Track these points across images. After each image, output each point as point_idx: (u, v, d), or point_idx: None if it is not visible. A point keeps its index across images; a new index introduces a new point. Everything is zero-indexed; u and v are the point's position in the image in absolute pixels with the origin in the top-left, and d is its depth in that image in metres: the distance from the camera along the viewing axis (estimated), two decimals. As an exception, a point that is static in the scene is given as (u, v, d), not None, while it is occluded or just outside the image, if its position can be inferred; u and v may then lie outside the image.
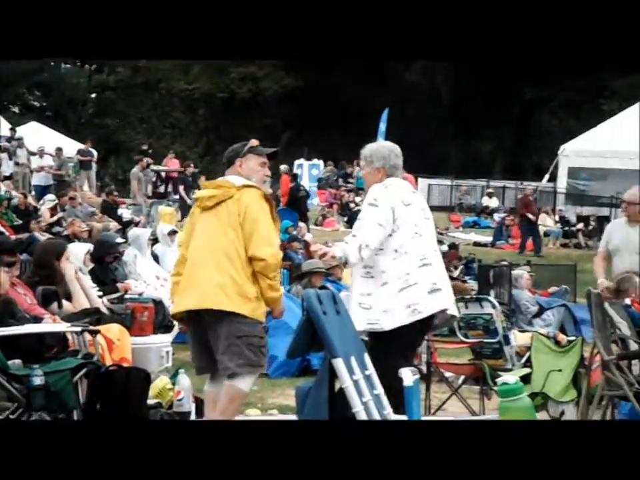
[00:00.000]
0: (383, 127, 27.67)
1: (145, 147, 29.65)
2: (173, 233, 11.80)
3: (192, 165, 24.46)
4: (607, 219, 25.87)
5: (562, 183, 27.99)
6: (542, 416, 6.10)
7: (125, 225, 16.44)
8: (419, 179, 29.09)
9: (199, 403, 6.42)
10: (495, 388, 6.58)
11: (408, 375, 4.38)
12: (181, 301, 5.68)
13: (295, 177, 24.30)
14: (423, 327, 5.54)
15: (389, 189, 5.68)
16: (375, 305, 5.46)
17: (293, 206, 21.02)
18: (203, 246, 5.65)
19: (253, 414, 7.19)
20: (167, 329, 7.77)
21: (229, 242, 5.50)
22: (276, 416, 7.15)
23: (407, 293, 5.48)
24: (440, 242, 19.08)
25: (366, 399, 3.61)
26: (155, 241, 12.76)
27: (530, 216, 21.51)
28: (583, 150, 28.14)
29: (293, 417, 6.58)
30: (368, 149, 5.88)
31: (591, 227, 24.87)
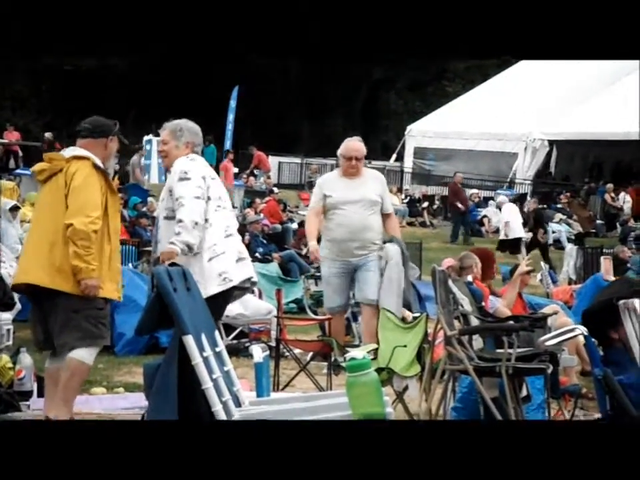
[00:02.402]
0: (233, 104, 27.55)
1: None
2: (15, 208, 11.44)
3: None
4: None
5: (408, 162, 28.64)
6: (387, 391, 6.26)
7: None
8: (270, 157, 29.15)
9: (41, 382, 6.27)
10: (343, 364, 6.69)
11: (258, 352, 4.40)
12: (16, 275, 5.69)
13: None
14: (229, 295, 5.87)
15: (196, 161, 5.91)
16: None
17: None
18: (38, 220, 5.64)
19: (99, 392, 7.08)
20: (8, 306, 7.53)
21: (56, 215, 5.43)
22: (122, 394, 7.05)
23: (216, 262, 5.76)
24: (290, 220, 19.31)
25: (216, 375, 3.60)
26: (-5, 215, 12.31)
27: (459, 205, 21.60)
28: (428, 130, 28.86)
29: (140, 395, 6.53)
30: (177, 123, 6.03)
31: (435, 206, 25.57)
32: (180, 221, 5.67)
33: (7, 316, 7.53)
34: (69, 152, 5.63)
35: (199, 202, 5.73)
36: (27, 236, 5.98)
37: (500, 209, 21.50)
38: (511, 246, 18.67)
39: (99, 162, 5.56)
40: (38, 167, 5.68)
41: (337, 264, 7.60)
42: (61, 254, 5.36)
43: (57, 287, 5.33)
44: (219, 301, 5.75)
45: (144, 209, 16.99)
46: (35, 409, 6.19)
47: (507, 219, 19.59)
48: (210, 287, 5.68)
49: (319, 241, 7.80)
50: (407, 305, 7.44)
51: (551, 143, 27.06)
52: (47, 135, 24.86)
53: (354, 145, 7.79)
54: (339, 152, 7.84)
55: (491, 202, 24.57)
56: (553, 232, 22.29)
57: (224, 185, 6.46)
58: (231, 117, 27.45)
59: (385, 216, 7.75)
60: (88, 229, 5.33)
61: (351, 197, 7.60)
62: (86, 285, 5.34)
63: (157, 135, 32.20)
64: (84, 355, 5.41)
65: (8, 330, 7.63)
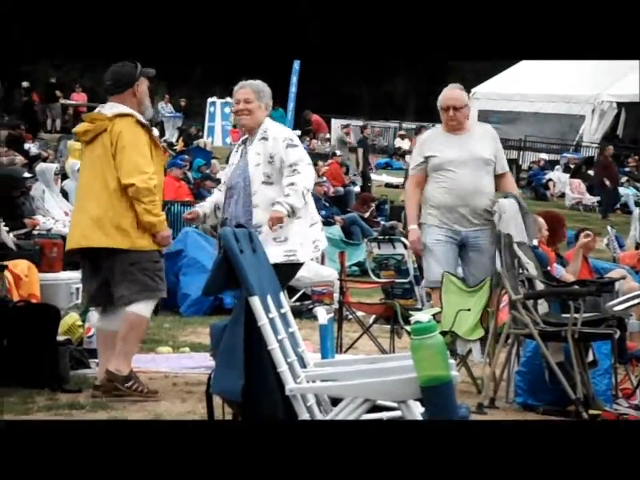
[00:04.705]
0: (296, 65, 27.48)
1: (52, 80, 28.84)
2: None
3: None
4: (515, 162, 26.40)
5: (473, 126, 28.26)
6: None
7: (32, 160, 16.05)
8: (332, 120, 29.06)
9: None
10: (406, 327, 6.69)
11: (322, 314, 4.42)
12: (68, 239, 5.76)
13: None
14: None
15: (288, 129, 6.10)
16: (292, 238, 5.71)
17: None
18: (85, 182, 5.70)
19: (165, 351, 7.18)
20: (76, 265, 7.66)
21: (106, 175, 5.49)
22: (188, 353, 7.15)
23: (313, 229, 5.87)
24: (353, 183, 19.26)
25: (281, 336, 3.62)
26: (64, 176, 12.51)
27: (607, 182, 21.03)
28: (492, 93, 28.47)
29: (205, 355, 6.62)
30: (258, 83, 6.00)
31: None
32: (292, 184, 5.68)
33: (76, 274, 7.66)
34: (108, 109, 5.58)
35: (311, 168, 5.83)
36: (76, 197, 6.03)
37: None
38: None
39: (141, 117, 5.57)
40: (81, 127, 5.68)
41: (442, 230, 6.44)
42: (117, 212, 5.43)
43: (118, 246, 5.42)
44: (299, 267, 5.93)
45: (207, 171, 17.10)
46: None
47: None
48: (307, 254, 5.85)
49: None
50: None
51: (620, 105, 26.52)
52: None
53: (451, 92, 6.59)
54: (438, 104, 6.67)
55: (557, 166, 24.23)
56: (621, 195, 21.93)
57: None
58: (293, 88, 27.31)
59: (499, 177, 6.58)
60: (149, 185, 5.42)
61: (459, 156, 6.44)
62: (162, 237, 5.52)
63: (221, 97, 32.23)
64: (142, 308, 5.50)
65: (77, 289, 7.78)
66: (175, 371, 6.47)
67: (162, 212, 5.56)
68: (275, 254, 5.57)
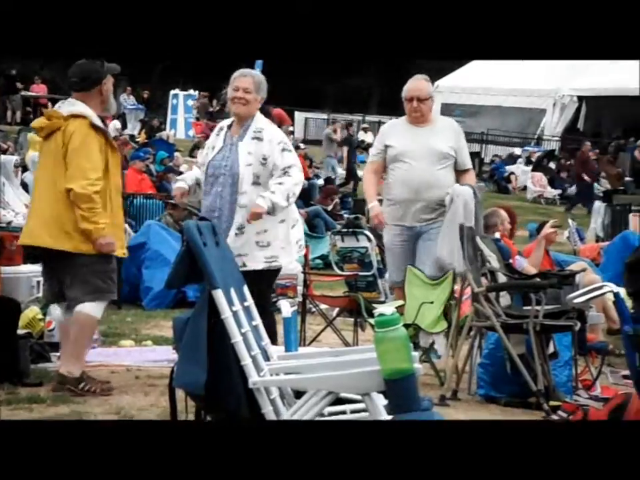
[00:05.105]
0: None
1: (13, 72, 28.53)
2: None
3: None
4: (477, 155, 26.57)
5: (436, 118, 28.39)
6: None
7: (-8, 152, 15.87)
8: (296, 113, 29.06)
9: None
10: (369, 320, 6.71)
11: (286, 307, 4.42)
12: (22, 234, 5.74)
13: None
14: None
15: (280, 131, 5.92)
16: (274, 242, 5.67)
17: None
18: (39, 177, 5.68)
19: (127, 345, 7.15)
20: (37, 258, 7.59)
21: (55, 176, 5.44)
22: (150, 347, 7.12)
23: (295, 230, 5.95)
24: (316, 176, 19.27)
25: (245, 329, 3.62)
26: (24, 169, 12.39)
27: (586, 177, 21.00)
28: (455, 86, 28.62)
29: (168, 348, 6.59)
30: (259, 75, 5.87)
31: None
32: (280, 183, 5.56)
33: (36, 268, 7.58)
34: (66, 107, 5.51)
35: (302, 175, 5.76)
36: (31, 194, 6.00)
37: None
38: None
39: (97, 120, 5.48)
40: (37, 123, 5.63)
41: (397, 229, 6.46)
42: (62, 214, 5.38)
43: (60, 248, 5.39)
44: (279, 271, 5.88)
45: (170, 164, 17.03)
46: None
47: None
48: (291, 255, 5.84)
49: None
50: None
51: (580, 98, 26.79)
52: None
53: (415, 83, 6.51)
54: (402, 94, 6.57)
55: (519, 159, 24.43)
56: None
57: None
58: (258, 70, 27.24)
59: (460, 173, 6.52)
60: (89, 192, 5.32)
61: (415, 148, 6.38)
62: (100, 244, 5.40)
63: (184, 89, 32.05)
64: (92, 308, 5.47)
65: (38, 282, 7.70)
66: (137, 364, 6.44)
67: (102, 220, 5.38)
68: (257, 259, 5.58)
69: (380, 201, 6.67)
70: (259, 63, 25.87)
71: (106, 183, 5.45)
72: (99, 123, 5.51)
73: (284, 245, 5.72)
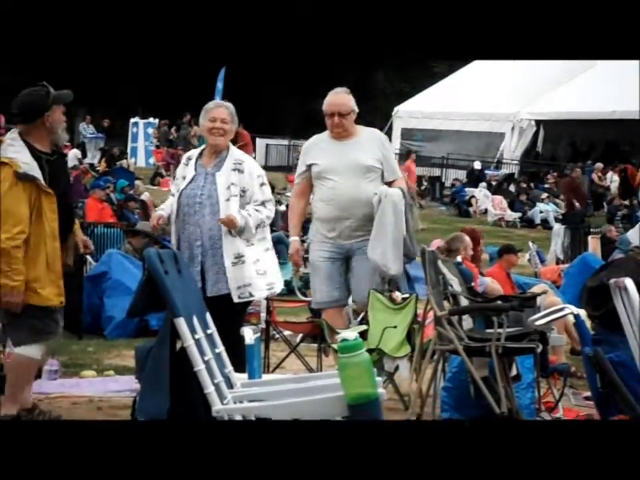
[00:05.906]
0: (220, 85, 27.43)
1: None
2: None
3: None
4: (438, 179, 26.74)
5: (396, 144, 28.61)
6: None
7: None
8: (257, 139, 29.07)
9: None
10: (333, 345, 6.71)
11: (249, 334, 4.41)
12: None
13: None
14: None
15: (254, 161, 6.07)
16: (270, 270, 5.82)
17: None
18: None
19: (89, 375, 7.07)
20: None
21: None
22: (113, 377, 7.05)
23: (274, 256, 5.94)
24: (278, 202, 19.26)
25: (207, 357, 3.61)
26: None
27: (576, 203, 20.92)
28: (415, 111, 28.83)
29: (131, 378, 6.53)
30: (232, 107, 5.89)
31: (423, 187, 25.60)
32: (258, 211, 5.71)
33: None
34: (2, 149, 5.22)
35: (274, 209, 5.88)
36: None
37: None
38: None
39: (23, 168, 5.18)
40: None
41: (327, 246, 6.28)
42: None
43: None
44: None
45: (131, 192, 16.95)
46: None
47: None
48: (282, 280, 6.00)
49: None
50: (408, 255, 6.40)
51: (538, 122, 27.10)
52: None
53: (335, 98, 6.23)
54: (323, 109, 6.32)
55: (482, 183, 24.62)
56: (541, 212, 22.39)
57: None
58: (217, 98, 27.32)
59: (389, 184, 6.26)
60: (7, 246, 5.11)
61: (339, 164, 6.18)
62: (6, 302, 5.18)
63: (144, 117, 31.81)
64: (30, 350, 5.33)
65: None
66: (99, 394, 6.37)
67: (18, 276, 5.12)
68: (260, 287, 5.74)
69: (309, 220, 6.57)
70: (220, 82, 25.98)
71: (40, 230, 5.21)
72: (25, 171, 5.19)
73: (275, 272, 5.90)
